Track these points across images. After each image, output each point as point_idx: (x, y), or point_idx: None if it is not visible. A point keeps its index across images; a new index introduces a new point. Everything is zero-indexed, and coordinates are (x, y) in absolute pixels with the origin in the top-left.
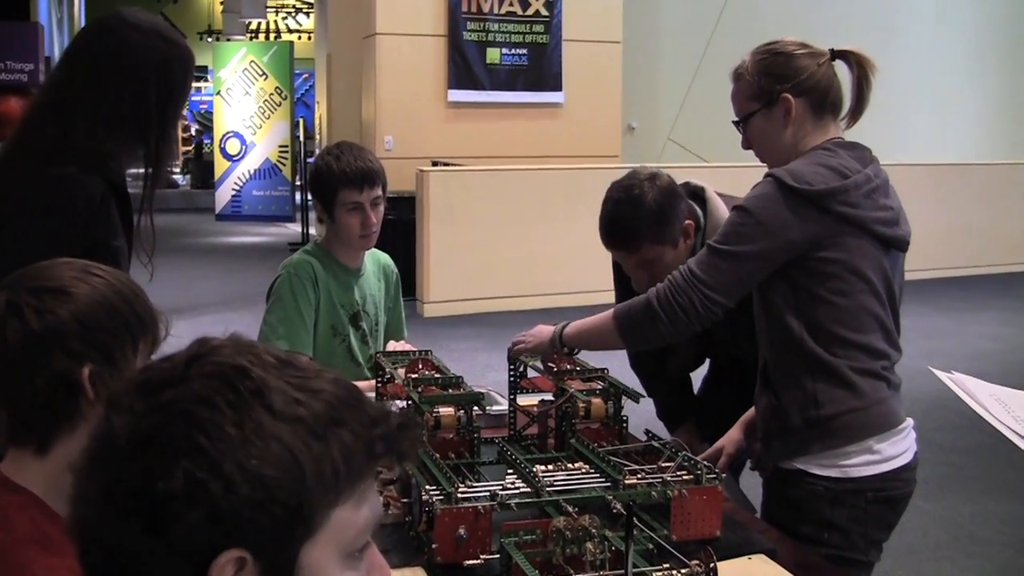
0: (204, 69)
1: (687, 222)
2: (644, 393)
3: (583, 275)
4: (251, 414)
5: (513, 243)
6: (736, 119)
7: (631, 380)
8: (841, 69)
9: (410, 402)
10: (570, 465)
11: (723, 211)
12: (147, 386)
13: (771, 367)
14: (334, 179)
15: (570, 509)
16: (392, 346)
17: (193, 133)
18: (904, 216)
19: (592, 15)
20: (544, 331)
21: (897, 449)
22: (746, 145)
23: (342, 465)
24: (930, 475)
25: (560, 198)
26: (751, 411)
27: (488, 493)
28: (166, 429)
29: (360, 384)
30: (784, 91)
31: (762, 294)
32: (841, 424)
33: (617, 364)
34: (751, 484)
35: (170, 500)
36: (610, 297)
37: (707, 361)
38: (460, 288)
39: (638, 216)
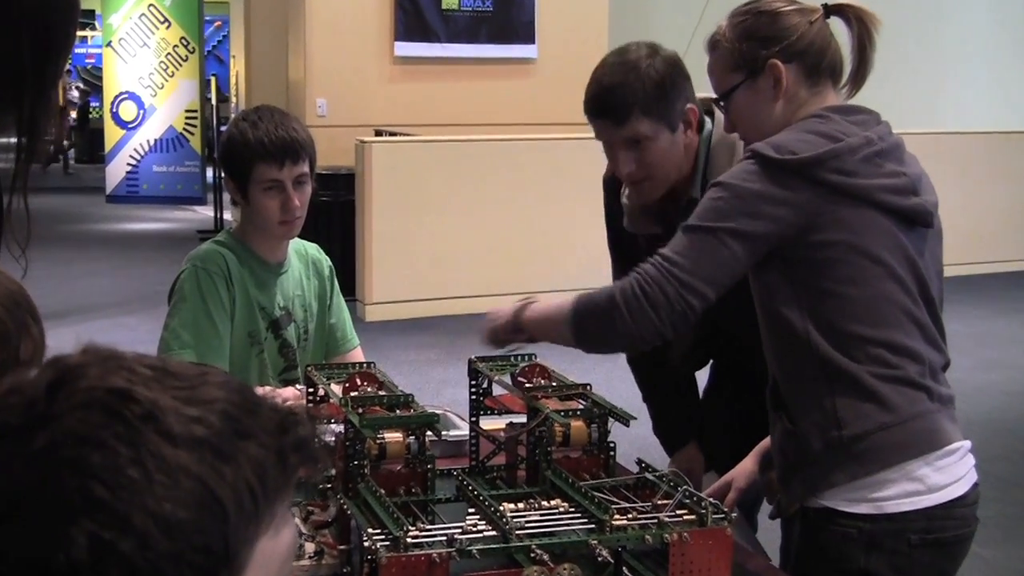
0: (90, 14)
1: (690, 106)
2: (635, 414)
3: (562, 270)
4: (148, 446)
5: (475, 231)
6: (716, 96)
7: (620, 397)
8: (839, 29)
9: (349, 426)
10: (545, 503)
11: (732, 152)
12: (4, 432)
13: (782, 385)
14: (248, 151)
15: (545, 557)
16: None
17: (77, 95)
18: (926, 184)
19: None
20: (505, 311)
21: (947, 477)
22: (731, 127)
23: (258, 487)
24: (989, 515)
25: (533, 175)
26: (768, 440)
27: (445, 537)
28: (52, 484)
29: (287, 392)
30: (771, 57)
31: (760, 298)
32: (870, 445)
33: (603, 378)
34: (766, 525)
35: (75, 573)
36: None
37: (709, 365)
38: (410, 286)
39: (631, 82)
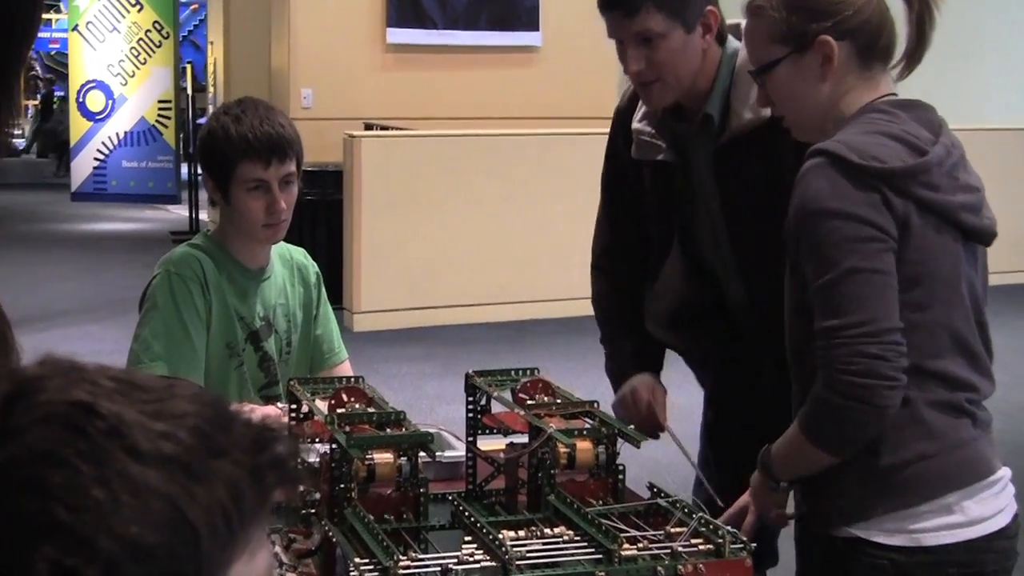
0: None
1: (710, 8)
2: (646, 434)
3: (568, 275)
4: (114, 464)
5: (474, 233)
6: (754, 68)
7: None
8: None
9: (335, 446)
10: (548, 531)
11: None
12: None
13: None
14: (231, 148)
15: None
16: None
17: (40, 83)
18: (984, 198)
19: None
20: (755, 484)
21: (988, 508)
22: (765, 101)
23: (232, 509)
24: None
25: (537, 173)
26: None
27: (439, 568)
28: (10, 506)
29: (267, 410)
30: (822, 32)
31: (800, 307)
32: (911, 476)
33: (612, 395)
34: (786, 551)
35: None
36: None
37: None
38: (402, 294)
39: None
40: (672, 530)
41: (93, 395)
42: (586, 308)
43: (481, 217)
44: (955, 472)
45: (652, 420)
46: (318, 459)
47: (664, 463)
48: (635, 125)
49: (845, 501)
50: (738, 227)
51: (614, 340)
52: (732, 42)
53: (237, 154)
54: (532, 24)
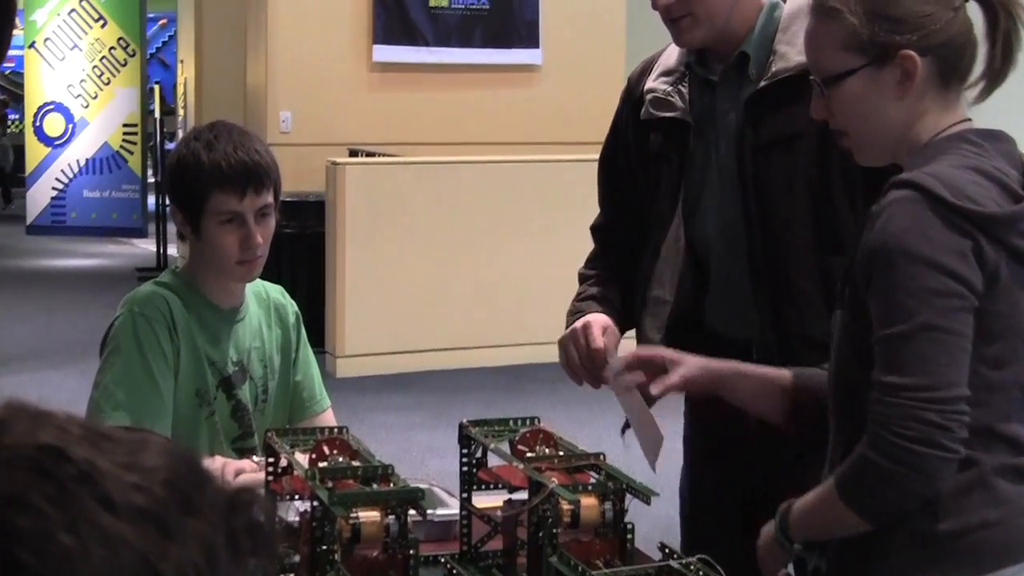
0: None
1: None
2: (657, 490)
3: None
4: (84, 512)
5: (468, 270)
6: (819, 77)
7: (640, 469)
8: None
9: (316, 503)
10: None
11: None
12: None
13: None
14: (203, 177)
15: None
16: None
17: None
18: None
19: None
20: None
21: None
22: (823, 113)
23: (206, 570)
24: None
25: (537, 203)
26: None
27: None
28: None
29: (242, 464)
30: (906, 46)
31: (858, 350)
32: (971, 544)
33: (619, 447)
34: None
35: None
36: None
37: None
38: (389, 336)
39: None
40: None
41: (62, 440)
42: None
43: (477, 252)
44: (1018, 542)
45: (597, 361)
46: (298, 518)
47: (677, 520)
48: (649, 84)
49: (887, 566)
50: (755, 190)
51: (584, 286)
52: None
53: (209, 184)
54: (532, 40)
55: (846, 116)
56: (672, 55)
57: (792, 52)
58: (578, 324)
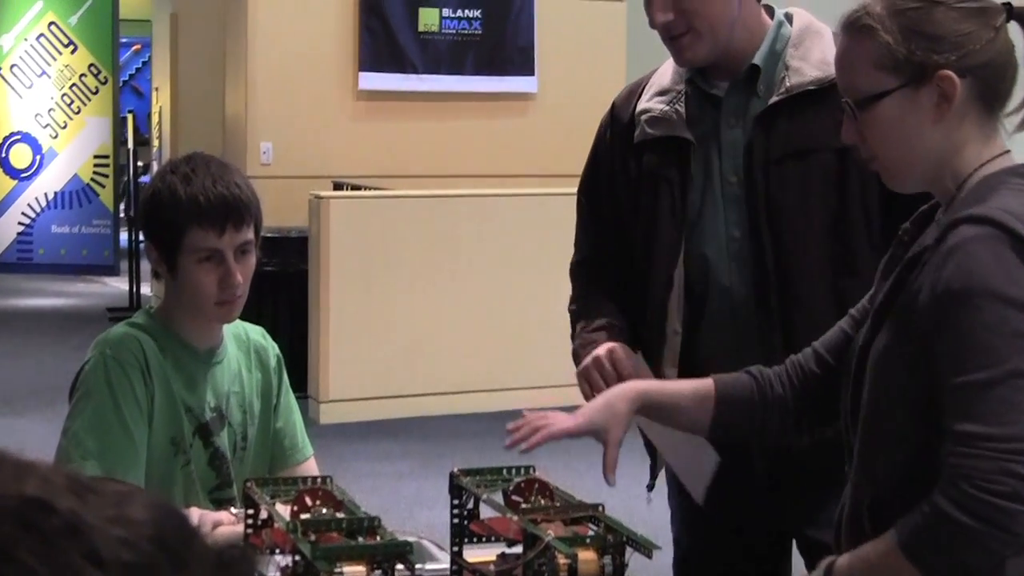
0: None
1: None
2: (658, 543)
3: (567, 357)
4: (70, 567)
5: (459, 309)
6: (851, 98)
7: (641, 521)
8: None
9: (297, 557)
10: None
11: (821, 39)
12: None
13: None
14: (179, 212)
15: None
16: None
17: None
18: None
19: None
20: None
21: None
22: (854, 137)
23: None
24: None
25: (533, 238)
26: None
27: None
28: None
29: (220, 516)
30: (945, 65)
31: (913, 399)
32: None
33: (619, 497)
34: None
35: None
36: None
37: None
38: (376, 380)
39: None
40: None
41: (47, 491)
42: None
43: (469, 291)
44: None
45: None
46: (279, 573)
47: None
48: (643, 105)
49: None
50: (766, 207)
51: (585, 320)
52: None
53: (186, 219)
54: (526, 68)
55: (879, 140)
56: (666, 75)
57: (806, 66)
58: (600, 351)
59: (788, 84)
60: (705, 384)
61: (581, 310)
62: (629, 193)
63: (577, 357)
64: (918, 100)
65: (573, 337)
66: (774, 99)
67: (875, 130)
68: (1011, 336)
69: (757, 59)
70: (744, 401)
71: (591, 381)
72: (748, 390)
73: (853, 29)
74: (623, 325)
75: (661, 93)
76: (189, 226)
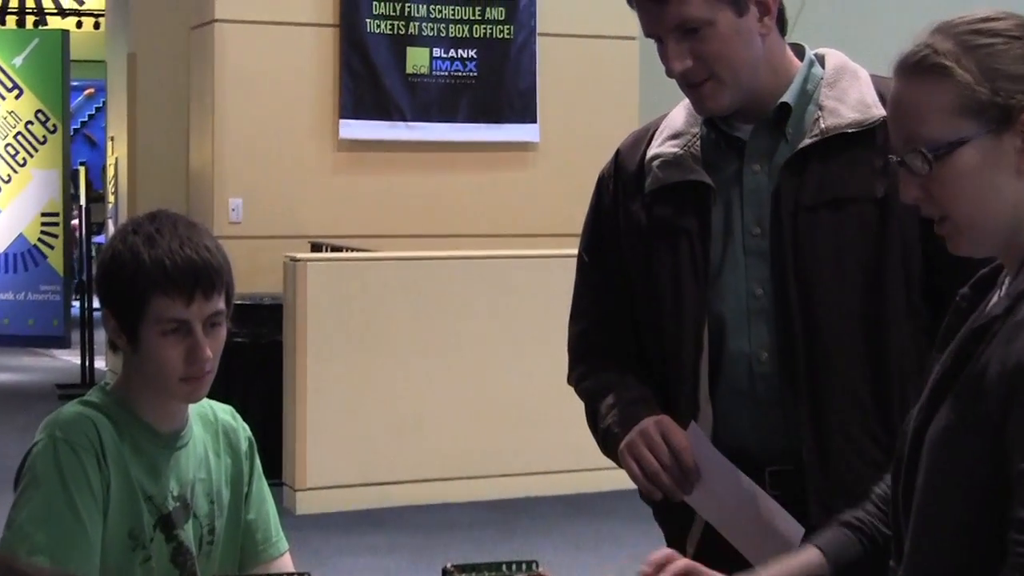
0: None
1: None
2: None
3: (571, 439)
4: None
5: (450, 385)
6: (921, 148)
7: None
8: None
9: None
10: None
11: (858, 80)
12: None
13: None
14: (142, 278)
15: None
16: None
17: None
18: None
19: None
20: None
21: None
22: (916, 194)
23: None
24: None
25: (532, 307)
26: None
27: None
28: None
29: None
30: None
31: (979, 482)
32: None
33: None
34: None
35: None
36: (619, 485)
37: None
38: (359, 465)
39: None
40: None
41: None
42: (598, 482)
43: (463, 364)
44: None
45: (686, 462)
46: None
47: None
48: (654, 151)
49: None
50: (794, 259)
51: (611, 396)
52: (808, 53)
53: (150, 286)
54: (527, 114)
55: (952, 195)
56: (678, 118)
57: (843, 108)
58: (647, 424)
59: (823, 125)
60: (811, 558)
61: (598, 387)
62: (640, 248)
63: (611, 437)
64: (1000, 148)
65: (598, 418)
66: (807, 142)
67: (949, 184)
68: None
69: (787, 98)
70: (858, 562)
71: (638, 457)
72: (856, 547)
73: (920, 70)
74: (653, 397)
75: (674, 137)
76: (153, 293)
